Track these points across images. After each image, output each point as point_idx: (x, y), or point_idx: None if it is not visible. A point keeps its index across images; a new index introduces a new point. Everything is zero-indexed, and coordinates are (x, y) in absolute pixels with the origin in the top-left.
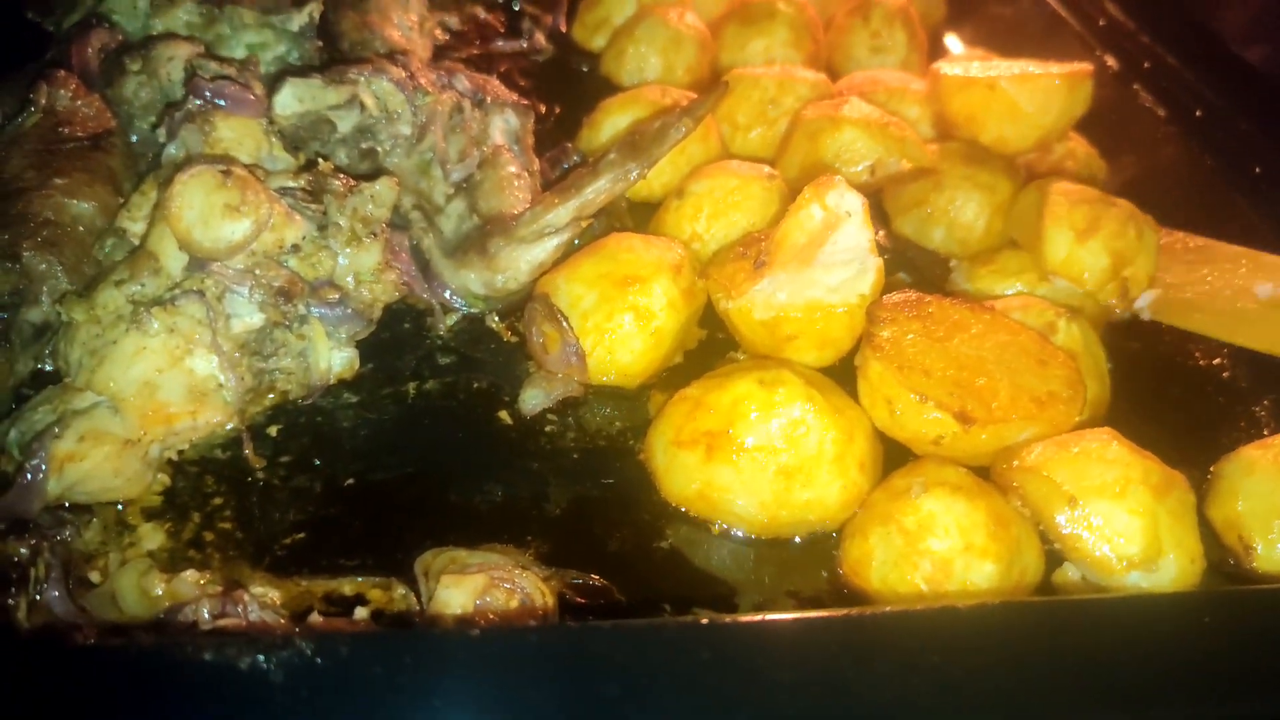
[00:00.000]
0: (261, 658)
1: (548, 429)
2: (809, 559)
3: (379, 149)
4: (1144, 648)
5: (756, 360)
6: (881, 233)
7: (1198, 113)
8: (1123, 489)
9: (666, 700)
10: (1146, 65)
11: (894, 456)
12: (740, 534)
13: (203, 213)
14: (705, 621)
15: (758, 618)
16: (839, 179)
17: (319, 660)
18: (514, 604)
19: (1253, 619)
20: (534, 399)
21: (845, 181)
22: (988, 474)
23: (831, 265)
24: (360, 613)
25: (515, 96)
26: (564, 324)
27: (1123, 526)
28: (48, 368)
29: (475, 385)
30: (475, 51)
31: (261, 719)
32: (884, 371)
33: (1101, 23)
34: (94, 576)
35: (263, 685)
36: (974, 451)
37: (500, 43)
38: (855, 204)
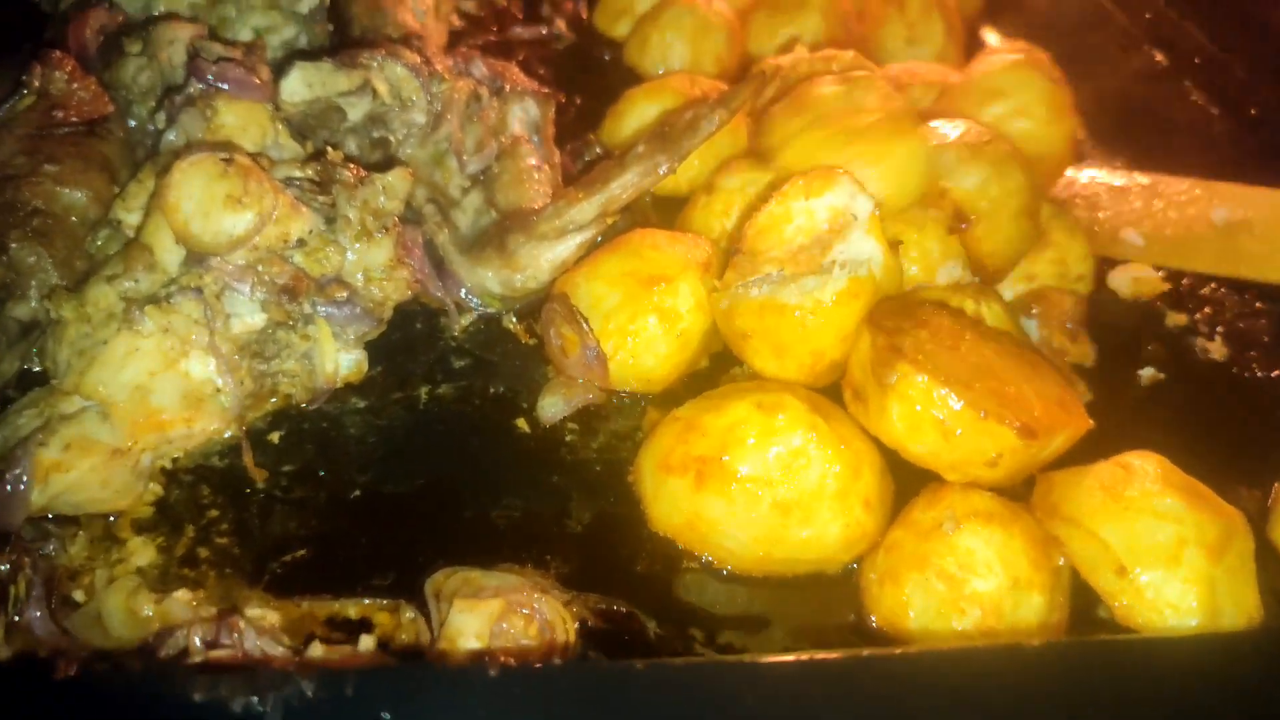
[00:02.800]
0: (256, 699)
1: (568, 439)
2: (843, 591)
3: (391, 138)
4: (1227, 688)
5: (758, 382)
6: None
7: (1252, 111)
8: (1176, 553)
9: None
10: (1197, 60)
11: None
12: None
13: (202, 204)
14: (749, 661)
15: (807, 656)
16: (845, 176)
17: (320, 700)
18: (532, 631)
19: None
20: (553, 406)
21: (855, 180)
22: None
23: (808, 265)
24: (366, 641)
25: (535, 85)
26: (584, 326)
27: (1176, 597)
28: (36, 368)
29: (491, 390)
30: (492, 38)
31: None
32: (933, 387)
33: (1148, 16)
34: (78, 595)
35: None
36: (1021, 469)
37: (519, 29)
38: (865, 206)
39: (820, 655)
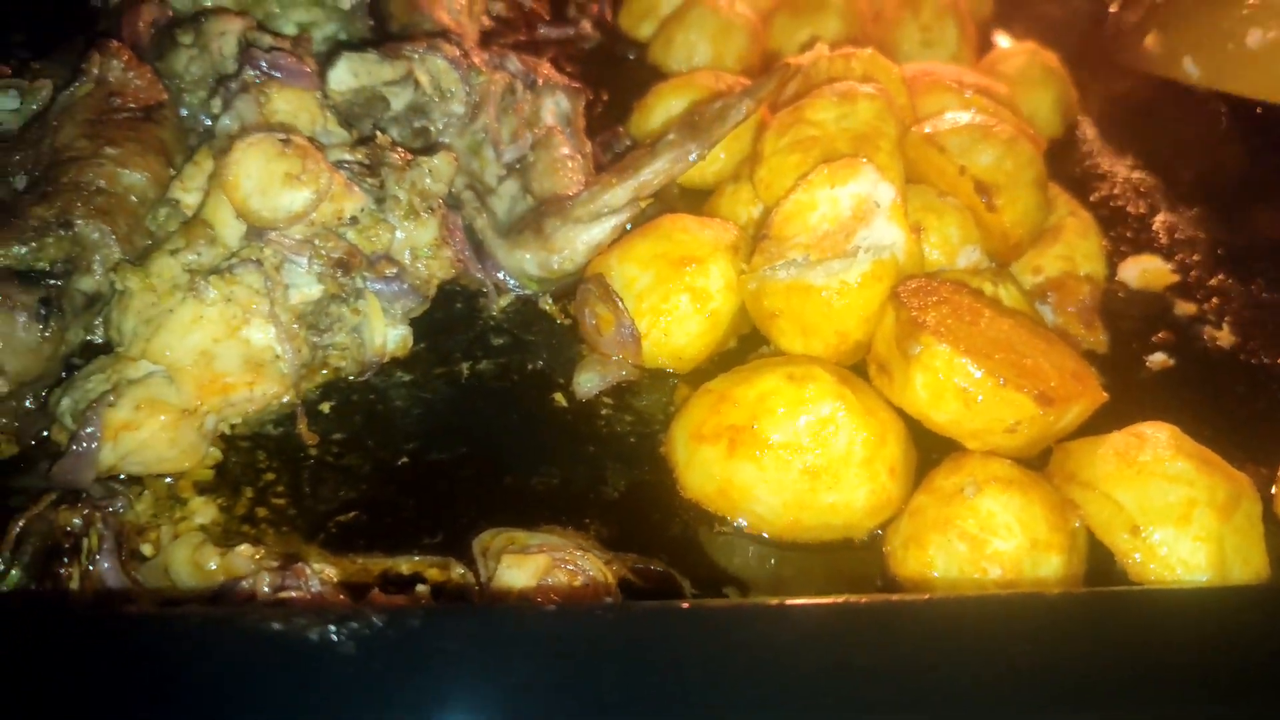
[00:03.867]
0: (332, 628)
1: (603, 412)
2: (869, 555)
3: (432, 128)
4: (1235, 638)
5: (788, 356)
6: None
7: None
8: (1187, 513)
9: (743, 684)
10: None
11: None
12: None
13: (261, 181)
14: (782, 603)
15: (840, 600)
16: (868, 165)
17: (390, 633)
18: (576, 584)
19: None
20: (589, 382)
21: (875, 169)
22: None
23: (833, 250)
24: (422, 589)
25: (566, 79)
26: (619, 305)
27: (1188, 553)
28: (98, 339)
29: (529, 367)
30: (521, 38)
31: (331, 692)
32: (954, 356)
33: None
34: (146, 549)
35: (333, 657)
36: (1038, 438)
37: (546, 30)
38: (887, 194)
39: (850, 599)
